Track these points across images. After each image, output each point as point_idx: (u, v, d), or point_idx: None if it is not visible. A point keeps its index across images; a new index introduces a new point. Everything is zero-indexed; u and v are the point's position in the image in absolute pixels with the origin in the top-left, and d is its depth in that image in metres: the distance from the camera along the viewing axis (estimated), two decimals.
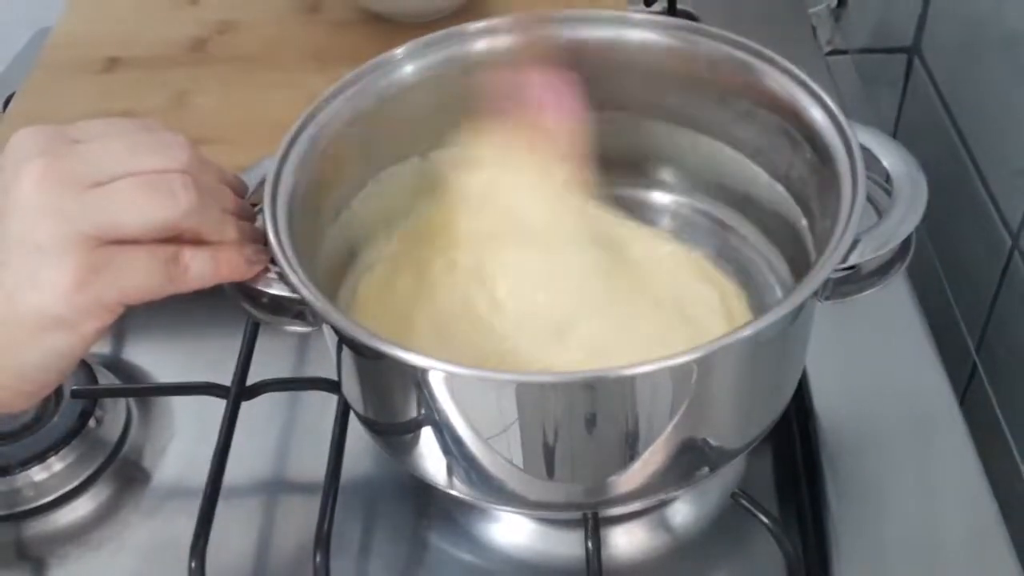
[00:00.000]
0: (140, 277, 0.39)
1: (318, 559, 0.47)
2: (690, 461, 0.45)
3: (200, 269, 0.41)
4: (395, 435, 0.48)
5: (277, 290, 0.43)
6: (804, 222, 0.50)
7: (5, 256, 0.38)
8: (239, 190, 0.45)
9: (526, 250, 0.52)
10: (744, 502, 0.49)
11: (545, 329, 0.49)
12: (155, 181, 0.39)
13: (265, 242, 0.43)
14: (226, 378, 0.55)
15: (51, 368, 0.40)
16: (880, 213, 0.44)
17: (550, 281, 0.51)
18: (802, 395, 0.55)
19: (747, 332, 0.39)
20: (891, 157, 0.46)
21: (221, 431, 0.52)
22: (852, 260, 0.42)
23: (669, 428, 0.42)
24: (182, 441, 0.58)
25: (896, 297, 0.60)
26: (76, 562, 0.53)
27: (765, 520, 0.48)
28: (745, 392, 0.45)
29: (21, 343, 0.39)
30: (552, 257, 0.51)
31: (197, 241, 0.41)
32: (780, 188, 0.52)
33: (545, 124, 0.50)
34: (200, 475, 0.50)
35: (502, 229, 0.53)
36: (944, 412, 0.55)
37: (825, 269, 0.41)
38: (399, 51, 0.52)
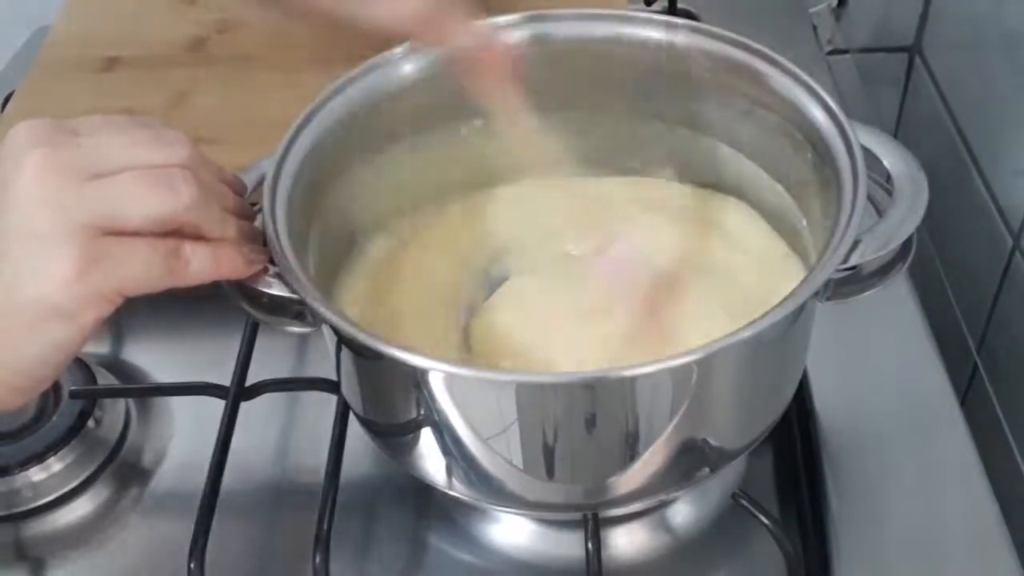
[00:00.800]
0: (140, 268, 0.39)
1: (317, 559, 0.47)
2: (690, 462, 0.45)
3: (201, 264, 0.41)
4: (395, 436, 0.48)
5: (277, 290, 0.43)
6: (804, 222, 0.50)
7: (4, 247, 0.38)
8: (238, 189, 0.45)
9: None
10: (744, 502, 0.49)
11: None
12: (156, 175, 0.39)
13: (264, 242, 0.43)
14: (225, 378, 0.55)
15: (48, 361, 0.40)
16: (881, 213, 0.44)
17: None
18: (803, 395, 0.55)
19: (747, 333, 0.39)
20: (892, 157, 0.46)
21: (220, 431, 0.52)
22: (853, 260, 0.42)
23: (669, 429, 0.42)
24: (181, 441, 0.58)
25: (897, 297, 0.60)
26: (75, 563, 0.53)
27: (765, 521, 0.48)
28: (745, 393, 0.45)
29: (19, 335, 0.39)
30: None
31: (197, 237, 0.41)
32: (780, 188, 0.52)
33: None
34: (199, 475, 0.50)
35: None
36: (945, 412, 0.55)
37: (826, 270, 0.41)
38: (398, 51, 0.52)
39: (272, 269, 0.43)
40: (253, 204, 0.46)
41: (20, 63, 0.83)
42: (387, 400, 0.46)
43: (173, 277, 0.40)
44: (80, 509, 0.55)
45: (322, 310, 0.41)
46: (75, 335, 0.39)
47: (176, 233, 0.40)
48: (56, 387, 0.57)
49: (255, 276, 0.43)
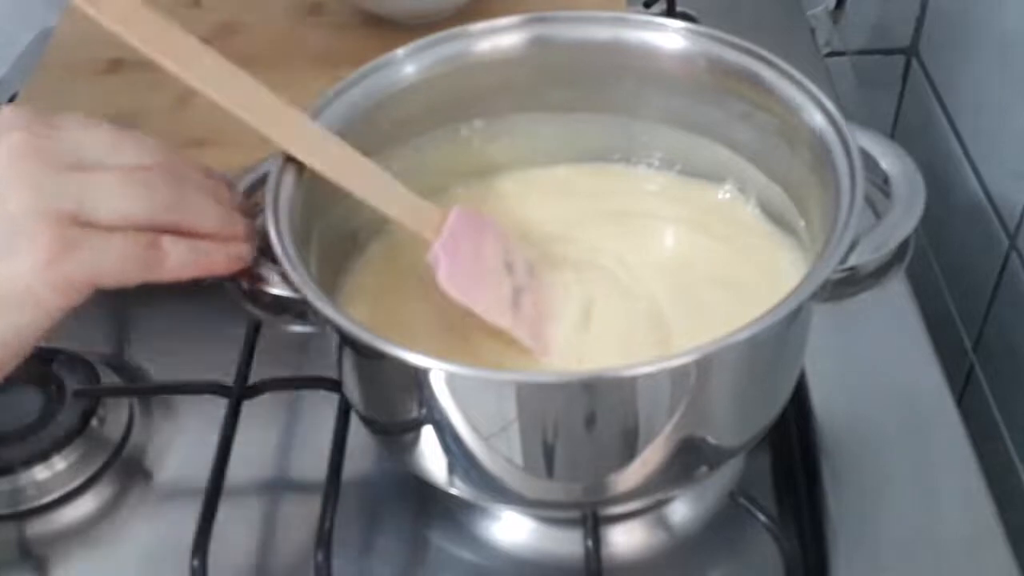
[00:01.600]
0: (115, 260, 0.38)
1: (319, 558, 0.47)
2: (689, 460, 0.45)
3: (180, 259, 0.40)
4: (396, 434, 0.48)
5: (279, 290, 0.43)
6: (802, 224, 0.50)
7: None
8: (228, 187, 0.45)
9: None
10: (743, 501, 0.49)
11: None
12: (133, 174, 0.39)
13: (264, 242, 0.44)
14: (228, 377, 0.55)
15: (9, 344, 0.39)
16: (878, 215, 0.44)
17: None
18: (801, 395, 0.55)
19: (745, 334, 0.39)
20: (889, 158, 0.46)
21: (223, 430, 0.52)
22: (850, 261, 0.42)
23: (668, 428, 0.43)
24: (184, 440, 0.58)
25: (894, 298, 0.60)
26: (78, 561, 0.53)
27: (763, 519, 0.49)
28: (744, 392, 0.45)
29: None
30: None
31: (178, 234, 0.41)
32: (779, 190, 0.52)
33: None
34: (202, 474, 0.50)
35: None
36: (941, 412, 0.55)
37: (824, 270, 0.41)
38: (400, 52, 0.52)
39: (275, 269, 0.43)
40: (255, 204, 0.46)
41: (24, 65, 0.83)
42: (388, 399, 0.46)
43: (149, 272, 0.39)
44: (84, 507, 0.55)
45: (324, 310, 0.41)
46: (40, 320, 0.38)
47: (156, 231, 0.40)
48: (60, 386, 0.57)
49: (255, 276, 0.43)
